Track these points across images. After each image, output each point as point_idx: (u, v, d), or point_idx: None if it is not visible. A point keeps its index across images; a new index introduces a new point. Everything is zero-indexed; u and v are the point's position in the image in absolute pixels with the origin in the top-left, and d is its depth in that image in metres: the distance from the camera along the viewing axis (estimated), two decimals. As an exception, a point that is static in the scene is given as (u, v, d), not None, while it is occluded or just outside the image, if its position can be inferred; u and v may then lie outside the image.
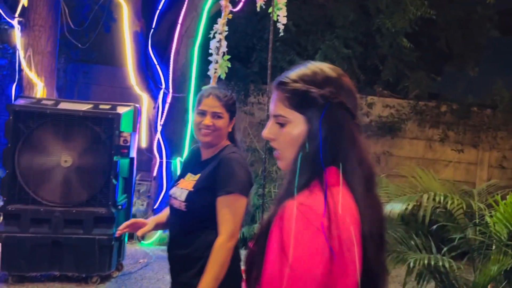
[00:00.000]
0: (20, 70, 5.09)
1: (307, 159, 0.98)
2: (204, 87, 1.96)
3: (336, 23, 6.39)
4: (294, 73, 1.05)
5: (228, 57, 2.71)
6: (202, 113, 1.85)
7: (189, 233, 1.81)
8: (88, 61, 6.58)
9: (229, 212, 1.72)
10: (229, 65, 2.70)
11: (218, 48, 2.66)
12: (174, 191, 1.89)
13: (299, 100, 1.01)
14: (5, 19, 5.48)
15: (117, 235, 1.96)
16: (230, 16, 2.74)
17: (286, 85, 1.03)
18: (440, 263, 2.51)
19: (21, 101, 4.03)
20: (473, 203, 2.80)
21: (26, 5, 5.10)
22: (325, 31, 6.50)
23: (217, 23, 2.87)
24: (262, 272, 0.91)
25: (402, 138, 6.96)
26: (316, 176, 0.97)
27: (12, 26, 5.44)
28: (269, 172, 6.15)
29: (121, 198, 4.13)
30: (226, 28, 2.70)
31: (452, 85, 7.24)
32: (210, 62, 3.00)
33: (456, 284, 2.67)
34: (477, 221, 2.80)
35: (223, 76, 2.75)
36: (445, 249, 2.83)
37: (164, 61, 5.64)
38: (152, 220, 1.94)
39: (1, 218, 4.12)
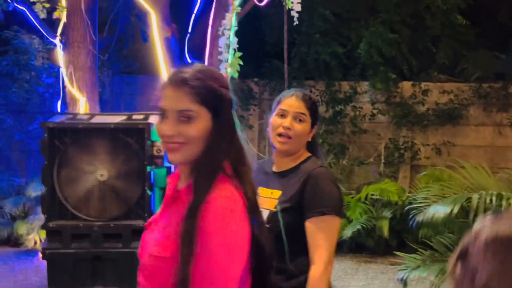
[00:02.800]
0: (64, 87, 5.23)
1: (211, 155, 1.07)
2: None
3: (379, 7, 5.93)
4: (191, 71, 1.10)
5: (240, 54, 2.50)
6: (282, 114, 1.64)
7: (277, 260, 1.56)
8: (131, 72, 6.68)
9: (324, 237, 1.54)
10: (241, 63, 2.49)
11: (228, 46, 2.46)
12: None
13: (208, 97, 1.06)
14: (50, 39, 5.68)
15: None
16: (239, 9, 2.53)
17: (192, 82, 1.07)
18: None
19: (56, 118, 4.10)
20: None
21: (65, 21, 5.23)
22: (368, 17, 6.06)
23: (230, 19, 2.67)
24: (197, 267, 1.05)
25: (466, 126, 6.34)
26: (219, 171, 1.09)
27: (56, 45, 5.63)
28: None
29: (158, 209, 4.06)
30: (235, 23, 2.49)
31: (521, 62, 6.48)
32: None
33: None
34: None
35: (235, 76, 2.54)
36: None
37: (201, 65, 5.53)
38: None
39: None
